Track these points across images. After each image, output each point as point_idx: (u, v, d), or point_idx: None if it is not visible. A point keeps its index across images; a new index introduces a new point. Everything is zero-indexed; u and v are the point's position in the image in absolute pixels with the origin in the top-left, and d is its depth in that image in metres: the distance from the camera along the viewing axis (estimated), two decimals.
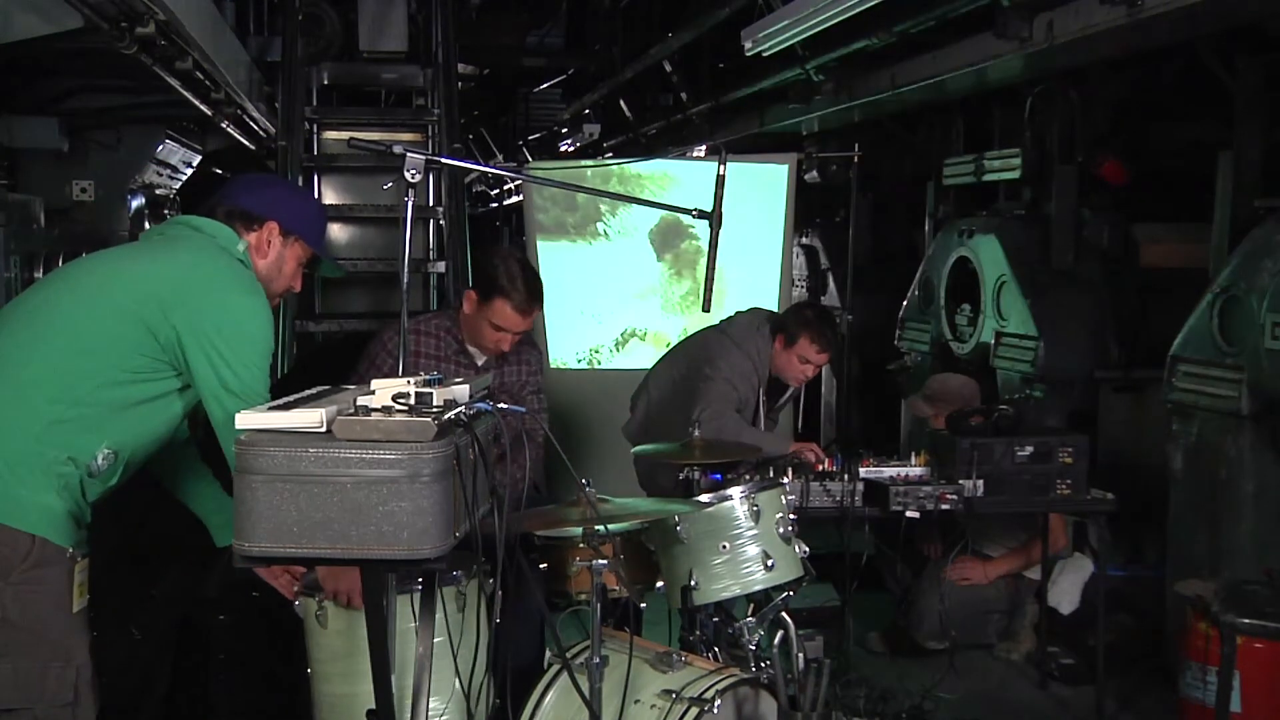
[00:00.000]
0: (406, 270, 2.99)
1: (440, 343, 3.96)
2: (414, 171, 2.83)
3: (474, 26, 8.56)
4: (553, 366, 6.89)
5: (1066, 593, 5.11)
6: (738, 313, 4.99)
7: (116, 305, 2.64)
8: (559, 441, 2.84)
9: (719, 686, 3.06)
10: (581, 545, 3.41)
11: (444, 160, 3.34)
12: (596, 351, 7.10)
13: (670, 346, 5.57)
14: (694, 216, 3.29)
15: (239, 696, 3.82)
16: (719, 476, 4.35)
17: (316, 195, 3.02)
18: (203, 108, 7.22)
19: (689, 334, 5.44)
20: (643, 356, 6.83)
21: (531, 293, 3.83)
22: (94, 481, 2.63)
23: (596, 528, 2.98)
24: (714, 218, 3.23)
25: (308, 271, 3.03)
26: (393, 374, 3.83)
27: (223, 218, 2.83)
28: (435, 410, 2.29)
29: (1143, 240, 5.99)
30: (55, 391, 2.57)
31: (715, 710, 3.00)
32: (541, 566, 3.58)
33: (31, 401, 2.57)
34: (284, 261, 2.90)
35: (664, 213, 6.68)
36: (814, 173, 7.77)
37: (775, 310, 6.55)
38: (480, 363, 4.01)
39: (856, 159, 6.20)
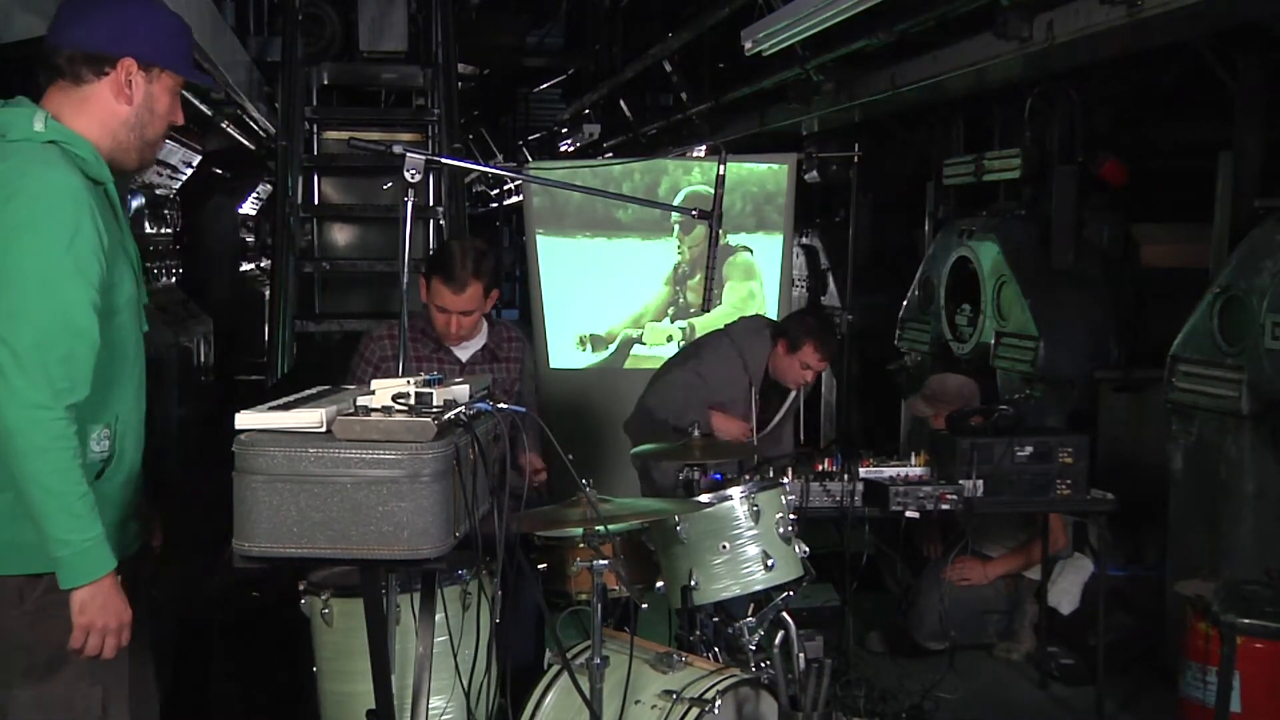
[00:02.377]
0: (406, 270, 2.98)
1: (418, 343, 3.93)
2: (414, 171, 2.83)
3: (474, 26, 8.57)
4: (553, 367, 6.89)
5: (1066, 593, 5.11)
6: (741, 317, 5.07)
7: None
8: (559, 441, 2.84)
9: (720, 687, 3.06)
10: (581, 545, 3.41)
11: (444, 160, 3.34)
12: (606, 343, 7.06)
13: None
14: (694, 217, 3.28)
15: (239, 696, 3.83)
16: (719, 476, 4.35)
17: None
18: (203, 108, 7.22)
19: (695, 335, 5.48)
20: (643, 359, 6.82)
21: (460, 266, 3.74)
22: (110, 474, 2.42)
23: (597, 528, 2.98)
24: (714, 218, 3.23)
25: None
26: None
27: (65, 68, 2.38)
28: (435, 410, 2.30)
29: (1143, 240, 5.99)
30: None
31: (716, 710, 3.00)
32: (541, 566, 3.58)
33: None
34: (153, 100, 2.45)
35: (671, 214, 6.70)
36: (814, 173, 7.77)
37: (776, 313, 6.61)
38: (464, 358, 3.98)
39: (856, 159, 6.21)
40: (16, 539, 2.32)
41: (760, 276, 6.95)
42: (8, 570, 2.36)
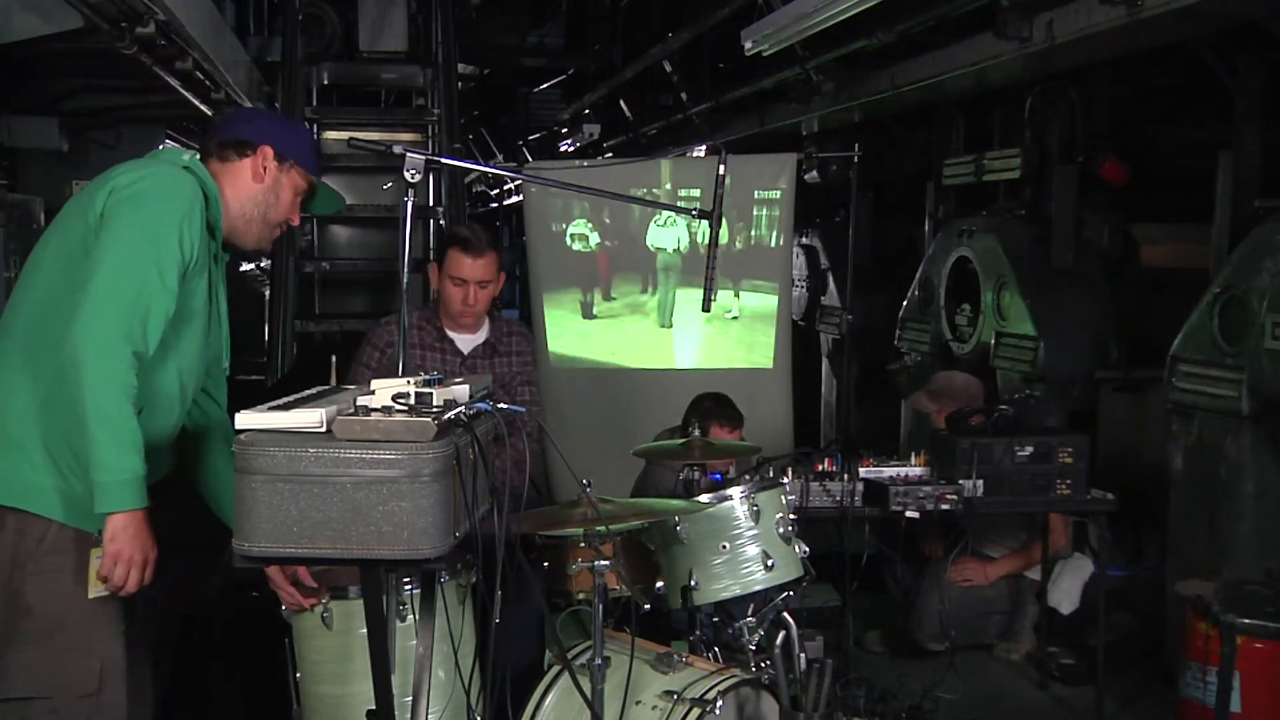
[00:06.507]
0: (406, 270, 2.98)
1: (421, 332, 4.00)
2: (414, 171, 2.83)
3: (474, 26, 8.56)
4: (554, 366, 6.87)
5: (1066, 593, 5.10)
6: None
7: (58, 255, 2.57)
8: (559, 442, 2.84)
9: (720, 687, 3.06)
10: (582, 545, 3.41)
11: (444, 160, 3.33)
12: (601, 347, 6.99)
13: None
14: (694, 216, 3.27)
15: (238, 696, 3.82)
16: (719, 476, 4.35)
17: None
18: (203, 108, 7.22)
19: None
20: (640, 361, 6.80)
21: (476, 235, 3.95)
22: None
23: (597, 528, 2.98)
24: (714, 218, 3.22)
25: (304, 214, 2.93)
26: (379, 367, 3.86)
27: (215, 150, 2.75)
28: (435, 410, 2.29)
29: (1143, 240, 5.99)
30: (34, 370, 2.53)
31: (717, 711, 2.99)
32: (543, 565, 3.58)
33: (19, 386, 2.53)
34: (280, 188, 2.80)
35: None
36: (814, 173, 7.77)
37: (776, 316, 6.58)
38: (466, 350, 4.01)
39: (856, 159, 6.20)
40: (22, 474, 2.50)
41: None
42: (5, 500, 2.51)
